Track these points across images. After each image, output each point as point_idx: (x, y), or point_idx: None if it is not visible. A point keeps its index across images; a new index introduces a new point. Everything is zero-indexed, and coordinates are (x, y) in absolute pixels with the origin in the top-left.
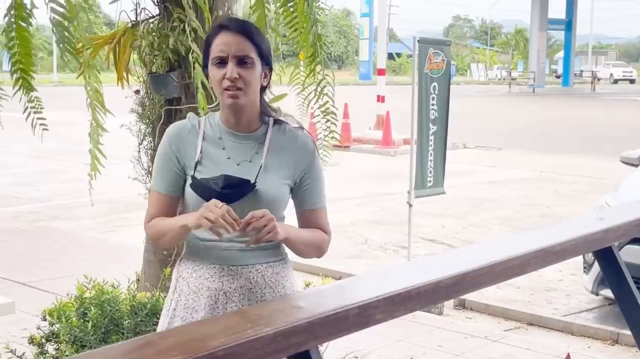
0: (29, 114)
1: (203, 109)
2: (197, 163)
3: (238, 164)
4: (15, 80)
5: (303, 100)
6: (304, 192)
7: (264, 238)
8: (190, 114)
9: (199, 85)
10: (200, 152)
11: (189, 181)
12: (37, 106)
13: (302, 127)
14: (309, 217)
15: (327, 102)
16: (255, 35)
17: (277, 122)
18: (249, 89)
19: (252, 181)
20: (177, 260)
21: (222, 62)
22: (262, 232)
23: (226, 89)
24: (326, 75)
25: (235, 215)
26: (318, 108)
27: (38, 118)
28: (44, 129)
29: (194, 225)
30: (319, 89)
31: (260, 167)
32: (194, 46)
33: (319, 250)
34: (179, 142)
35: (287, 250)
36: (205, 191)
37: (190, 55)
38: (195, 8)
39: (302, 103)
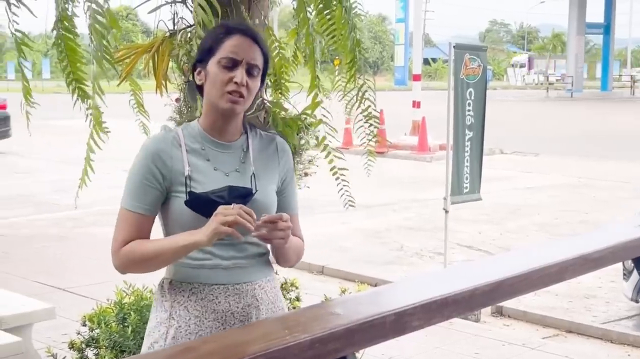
0: (90, 121)
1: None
2: (187, 178)
3: (227, 175)
4: (72, 90)
5: (346, 104)
6: (284, 198)
7: (274, 241)
8: (165, 126)
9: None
10: (189, 166)
11: (182, 198)
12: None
13: (276, 133)
14: None
15: (369, 106)
16: (265, 47)
17: (251, 128)
18: (249, 98)
19: (253, 191)
20: (162, 282)
21: (232, 64)
22: (278, 234)
23: (229, 93)
24: (367, 79)
25: (248, 209)
26: (360, 113)
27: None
28: (106, 131)
29: (208, 239)
30: (360, 93)
31: (253, 176)
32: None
33: (298, 257)
34: (164, 156)
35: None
36: (206, 205)
37: None
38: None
39: (345, 108)
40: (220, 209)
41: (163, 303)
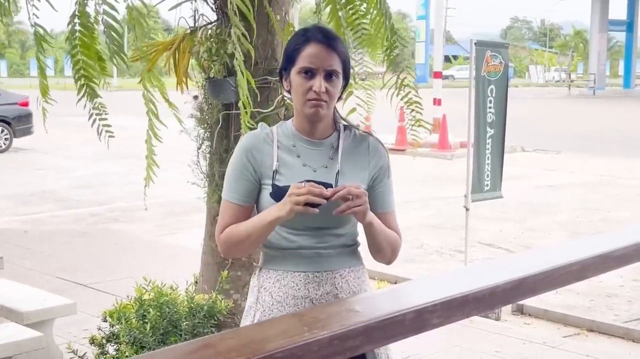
0: (94, 120)
1: (245, 115)
2: (275, 172)
3: (315, 171)
4: (79, 87)
5: (386, 92)
6: (376, 195)
7: (352, 210)
8: (262, 124)
9: (242, 93)
10: (277, 161)
11: (269, 190)
12: (101, 112)
13: (370, 133)
14: (381, 220)
15: (410, 92)
16: (342, 50)
17: (346, 127)
18: (332, 101)
19: (334, 186)
20: (256, 270)
21: (310, 73)
22: (355, 202)
23: (310, 100)
24: (407, 66)
25: (318, 187)
26: (401, 99)
27: (103, 125)
28: (109, 136)
29: (286, 214)
30: (399, 80)
31: (338, 172)
32: (237, 53)
33: (393, 251)
34: (255, 152)
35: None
36: None
37: (235, 63)
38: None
39: (386, 96)
40: (292, 188)
41: (253, 288)
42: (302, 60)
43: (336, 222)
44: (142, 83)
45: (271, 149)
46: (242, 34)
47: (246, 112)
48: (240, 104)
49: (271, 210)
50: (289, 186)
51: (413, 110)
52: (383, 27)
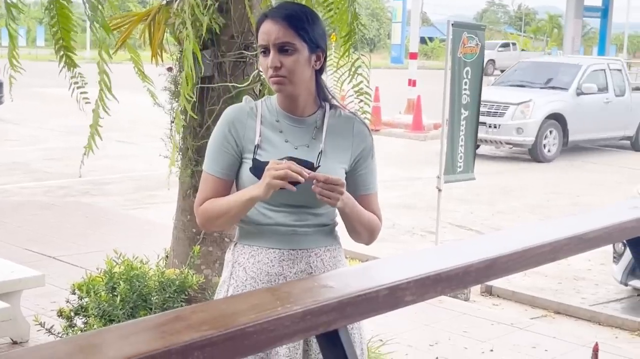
0: (73, 90)
1: (185, 88)
2: (256, 146)
3: (296, 148)
4: (59, 58)
5: (336, 80)
6: (358, 177)
7: (325, 200)
8: (247, 97)
9: (187, 64)
10: (260, 136)
11: (249, 164)
12: (80, 82)
13: (356, 114)
14: (362, 202)
15: (362, 82)
16: (298, 22)
17: (332, 106)
18: (293, 76)
19: (315, 165)
20: (231, 245)
21: (266, 50)
22: (326, 193)
23: (271, 77)
24: (362, 54)
25: (298, 166)
26: (352, 88)
27: (81, 93)
28: (86, 102)
29: (263, 192)
30: (353, 68)
31: (321, 152)
32: (188, 23)
33: (370, 234)
34: (239, 125)
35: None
36: None
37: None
38: None
39: (335, 84)
40: (272, 163)
41: (228, 263)
42: (259, 40)
43: (314, 202)
44: (99, 52)
45: (254, 124)
46: (197, 4)
47: (187, 84)
48: (182, 76)
49: (250, 188)
50: (268, 162)
51: (362, 101)
52: (347, 12)
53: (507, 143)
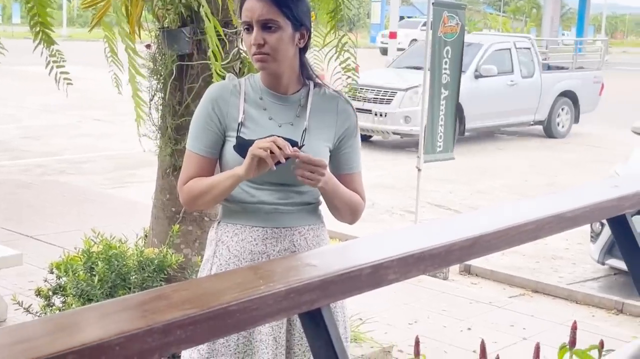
0: (52, 68)
1: (215, 66)
2: (240, 124)
3: (280, 126)
4: (35, 34)
5: (323, 58)
6: (341, 156)
7: (305, 181)
8: (230, 75)
9: (212, 42)
10: (243, 113)
11: (232, 142)
12: (59, 60)
13: (340, 93)
14: (345, 181)
15: (349, 58)
16: (283, 1)
17: (316, 85)
18: (276, 53)
19: (300, 144)
20: (215, 223)
21: (249, 28)
22: (307, 174)
23: (255, 55)
24: (348, 32)
25: (283, 141)
26: (339, 64)
27: (61, 72)
28: (67, 83)
29: (246, 170)
30: (340, 45)
31: (305, 130)
32: (203, 1)
33: (353, 213)
34: (222, 103)
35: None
36: None
37: (201, 10)
38: None
39: (322, 60)
40: (258, 141)
41: (211, 241)
42: (242, 17)
43: (298, 180)
44: (103, 27)
45: (238, 101)
46: None
47: (216, 60)
48: (210, 54)
49: (232, 170)
50: (253, 140)
51: (349, 77)
52: None
53: (395, 133)
